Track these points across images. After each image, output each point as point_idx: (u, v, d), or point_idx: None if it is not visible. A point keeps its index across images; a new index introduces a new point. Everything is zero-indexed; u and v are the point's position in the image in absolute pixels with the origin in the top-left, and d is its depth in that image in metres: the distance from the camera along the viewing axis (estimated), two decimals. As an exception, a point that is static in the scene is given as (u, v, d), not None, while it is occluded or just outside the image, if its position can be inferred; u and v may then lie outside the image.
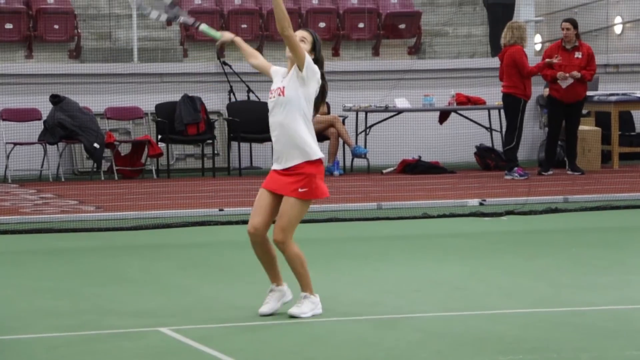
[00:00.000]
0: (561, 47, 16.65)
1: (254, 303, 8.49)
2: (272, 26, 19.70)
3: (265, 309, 8.05)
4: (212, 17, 19.49)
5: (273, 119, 8.10)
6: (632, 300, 8.55)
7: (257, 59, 8.45)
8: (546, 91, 17.16)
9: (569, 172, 16.76)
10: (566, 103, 16.53)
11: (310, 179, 8.03)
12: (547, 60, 16.41)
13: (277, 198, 8.04)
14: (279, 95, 8.07)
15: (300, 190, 8.01)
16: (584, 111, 18.13)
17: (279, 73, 8.27)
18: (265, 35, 19.69)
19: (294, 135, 8.01)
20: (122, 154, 17.38)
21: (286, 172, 8.04)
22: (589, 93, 17.87)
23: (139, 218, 13.02)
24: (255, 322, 7.93)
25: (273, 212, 8.05)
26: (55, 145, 17.01)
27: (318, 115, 17.81)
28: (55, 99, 16.99)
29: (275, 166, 8.08)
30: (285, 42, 8.09)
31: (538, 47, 20.06)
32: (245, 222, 12.88)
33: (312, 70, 8.12)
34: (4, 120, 17.29)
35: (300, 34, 8.25)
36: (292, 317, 7.94)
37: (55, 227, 12.53)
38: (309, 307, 7.99)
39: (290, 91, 8.06)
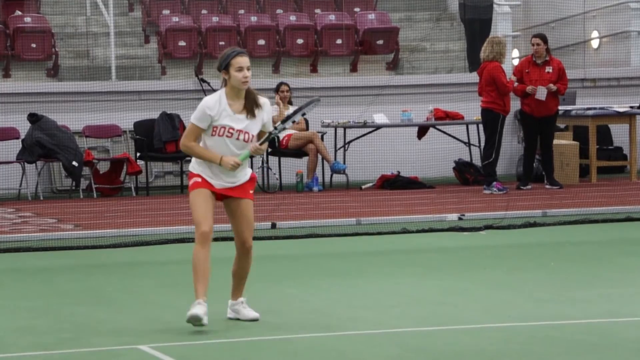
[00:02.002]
0: (532, 62, 16.72)
1: (230, 320, 8.48)
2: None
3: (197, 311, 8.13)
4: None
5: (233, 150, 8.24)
6: (610, 314, 8.57)
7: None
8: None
9: (547, 187, 16.81)
10: (538, 117, 16.59)
11: None
12: (528, 88, 16.44)
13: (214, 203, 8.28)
14: (245, 140, 8.24)
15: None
16: (562, 125, 18.21)
17: (222, 109, 8.23)
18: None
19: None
20: (101, 172, 17.35)
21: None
22: (567, 107, 17.96)
23: (118, 236, 12.99)
24: (235, 338, 7.92)
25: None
26: (34, 164, 16.97)
27: (296, 132, 17.83)
28: (33, 118, 16.95)
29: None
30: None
31: (515, 61, 20.12)
32: (225, 239, 12.92)
33: None
34: (-19, 138, 17.24)
35: (247, 63, 8.21)
36: (255, 320, 8.30)
37: (34, 245, 12.49)
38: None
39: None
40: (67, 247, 12.41)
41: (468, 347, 7.59)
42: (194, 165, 8.38)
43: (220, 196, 8.36)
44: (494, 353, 7.38)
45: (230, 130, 8.20)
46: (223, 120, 8.19)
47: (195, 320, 8.04)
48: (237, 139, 8.21)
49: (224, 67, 8.20)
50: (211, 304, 8.56)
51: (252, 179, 8.42)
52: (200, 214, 8.25)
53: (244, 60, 8.16)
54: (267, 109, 8.38)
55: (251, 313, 8.44)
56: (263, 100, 8.37)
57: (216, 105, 8.21)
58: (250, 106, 8.27)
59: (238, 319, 8.43)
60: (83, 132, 17.68)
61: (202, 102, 8.29)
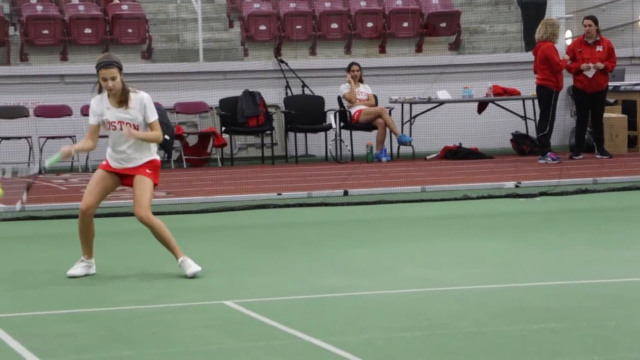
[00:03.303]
0: (583, 42, 16.54)
1: (309, 278, 8.53)
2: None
3: (75, 271, 8.71)
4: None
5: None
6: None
7: (92, 141, 8.77)
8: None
9: (598, 156, 16.63)
10: (589, 93, 16.42)
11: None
12: (583, 65, 16.30)
13: (113, 182, 8.81)
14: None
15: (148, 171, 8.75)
16: (611, 100, 17.98)
17: (103, 104, 8.65)
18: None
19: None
20: (190, 145, 17.47)
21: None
22: (616, 83, 17.73)
23: (205, 202, 13.08)
24: (311, 295, 7.95)
25: (105, 193, 8.87)
26: (130, 138, 17.10)
27: (366, 107, 17.78)
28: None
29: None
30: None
31: (569, 42, 19.88)
32: (302, 205, 12.97)
33: None
34: (84, 115, 17.41)
35: (110, 74, 8.54)
36: (194, 277, 8.50)
37: (130, 211, 12.58)
38: (192, 262, 8.58)
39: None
40: (159, 213, 12.48)
41: (523, 303, 7.55)
42: (106, 156, 8.87)
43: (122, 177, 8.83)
44: (546, 309, 7.34)
45: (115, 124, 8.64)
46: (107, 116, 8.64)
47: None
48: (117, 129, 8.64)
49: (97, 71, 8.66)
50: (290, 263, 8.60)
51: (150, 162, 8.78)
52: (88, 193, 8.86)
53: (107, 72, 8.56)
54: (142, 103, 8.68)
55: (190, 269, 8.59)
56: (138, 95, 8.69)
57: (99, 104, 8.69)
58: (124, 100, 8.66)
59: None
60: (174, 109, 17.80)
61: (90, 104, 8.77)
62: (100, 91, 8.70)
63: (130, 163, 8.77)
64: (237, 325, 7.12)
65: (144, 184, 8.75)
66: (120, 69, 8.60)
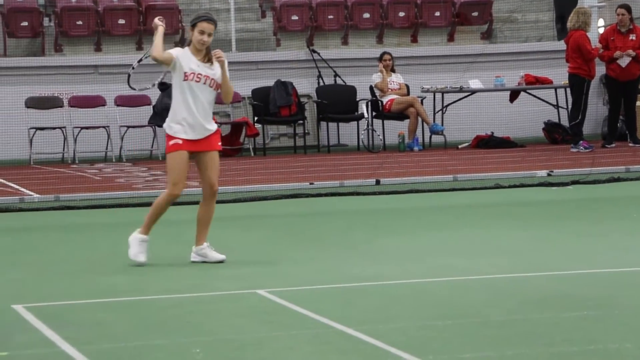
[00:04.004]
0: (616, 31, 16.44)
1: (341, 267, 8.53)
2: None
3: (142, 258, 8.66)
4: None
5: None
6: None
7: (163, 54, 8.65)
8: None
9: (631, 144, 16.53)
10: (622, 81, 16.33)
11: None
12: (616, 53, 16.20)
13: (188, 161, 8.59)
14: (211, 85, 8.59)
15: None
16: (644, 88, 17.86)
17: (187, 56, 8.57)
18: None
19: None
20: (223, 134, 17.51)
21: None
22: (649, 71, 17.59)
23: (237, 192, 13.11)
24: (342, 284, 7.96)
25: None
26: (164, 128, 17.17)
27: (398, 97, 17.74)
28: (163, 86, 17.15)
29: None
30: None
31: (601, 30, 19.75)
32: (334, 194, 12.97)
33: None
34: (118, 106, 17.51)
35: (210, 28, 8.54)
36: (221, 261, 8.60)
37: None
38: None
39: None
40: (193, 202, 12.53)
41: (554, 291, 7.52)
42: (171, 126, 8.59)
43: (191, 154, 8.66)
44: (578, 296, 7.30)
45: (202, 77, 8.53)
46: (193, 68, 8.51)
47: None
48: (204, 84, 8.54)
49: (191, 25, 8.65)
50: (322, 252, 8.61)
51: (217, 132, 8.73)
52: (177, 176, 8.60)
53: (208, 26, 8.55)
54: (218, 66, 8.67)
55: (218, 255, 8.66)
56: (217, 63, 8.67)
57: (181, 53, 8.59)
58: (209, 58, 8.62)
59: (205, 262, 8.67)
60: (207, 99, 17.82)
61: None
62: (180, 46, 8.70)
63: (203, 131, 8.57)
64: (269, 314, 7.14)
65: (217, 158, 8.71)
66: (215, 28, 8.68)
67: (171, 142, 8.59)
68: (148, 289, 8.01)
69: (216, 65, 8.63)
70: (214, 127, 8.68)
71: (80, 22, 18.73)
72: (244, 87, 17.87)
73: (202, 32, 8.54)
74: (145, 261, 8.72)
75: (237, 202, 12.53)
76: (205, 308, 7.34)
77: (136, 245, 8.75)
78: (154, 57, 8.67)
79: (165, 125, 8.71)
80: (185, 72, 8.55)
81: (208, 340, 6.42)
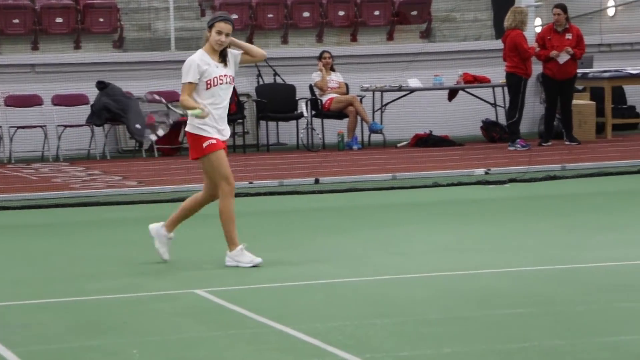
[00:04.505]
0: (553, 30, 16.60)
1: (280, 266, 8.50)
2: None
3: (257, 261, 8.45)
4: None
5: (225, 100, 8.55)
6: (625, 258, 8.50)
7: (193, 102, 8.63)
8: None
9: (567, 143, 16.68)
10: (558, 80, 16.48)
11: None
12: (552, 52, 16.35)
13: None
14: (230, 83, 8.61)
15: None
16: (580, 87, 18.03)
17: (205, 61, 8.58)
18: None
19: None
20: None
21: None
22: (584, 70, 17.77)
23: (176, 191, 13.02)
24: (281, 283, 7.94)
25: None
26: (102, 127, 17.04)
27: (338, 95, 17.75)
28: (101, 85, 17.01)
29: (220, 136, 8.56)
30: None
31: (538, 29, 19.91)
32: (273, 193, 12.94)
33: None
34: (55, 105, 17.32)
35: (228, 29, 8.51)
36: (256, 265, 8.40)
37: (101, 200, 12.56)
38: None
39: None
40: (131, 202, 12.47)
41: (492, 289, 7.56)
42: (203, 128, 8.52)
43: None
44: (518, 294, 7.35)
45: (223, 78, 8.51)
46: (212, 73, 8.48)
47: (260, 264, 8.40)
48: (224, 82, 8.52)
49: (209, 26, 8.59)
50: (261, 252, 8.59)
51: None
52: (227, 169, 8.54)
53: (226, 27, 8.51)
54: (235, 57, 8.65)
55: (255, 258, 8.47)
56: (232, 51, 8.65)
57: (198, 60, 8.55)
58: (224, 57, 8.60)
59: (238, 266, 8.48)
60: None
61: (187, 60, 8.64)
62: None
63: (226, 131, 8.58)
64: (208, 313, 7.10)
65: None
66: (233, 29, 8.60)
67: (206, 144, 8.49)
68: (84, 289, 7.92)
69: (230, 60, 8.56)
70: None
71: (17, 21, 18.51)
72: (183, 86, 17.73)
73: (219, 33, 8.48)
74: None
75: (176, 202, 12.43)
76: (143, 308, 7.27)
77: (240, 255, 8.50)
78: (187, 106, 8.57)
79: (190, 127, 8.56)
80: (207, 81, 8.50)
81: (146, 341, 6.36)
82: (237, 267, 8.43)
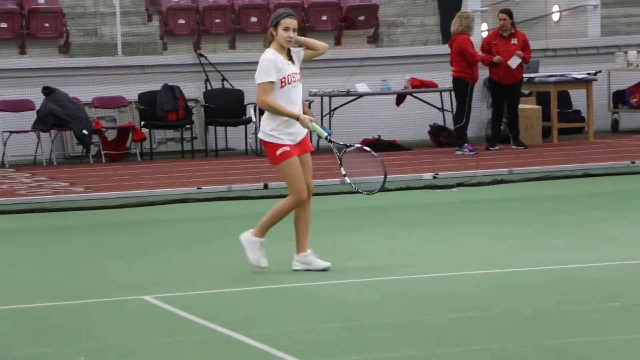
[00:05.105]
0: (499, 35, 16.73)
1: (229, 271, 8.48)
2: (243, 20, 19.60)
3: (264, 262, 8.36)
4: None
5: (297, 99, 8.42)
6: (572, 260, 8.58)
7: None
8: None
9: (514, 147, 16.80)
10: (504, 84, 16.61)
11: None
12: (495, 58, 16.46)
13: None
14: (300, 80, 8.47)
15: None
16: (526, 91, 18.17)
17: (279, 60, 8.38)
18: (237, 29, 19.59)
19: None
20: (109, 139, 17.28)
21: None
22: (530, 75, 17.91)
23: (124, 197, 12.94)
24: (230, 289, 7.91)
25: None
26: (48, 133, 16.89)
27: (286, 100, 17.77)
28: (47, 91, 16.86)
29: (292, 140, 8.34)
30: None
31: (484, 34, 20.06)
32: (222, 198, 12.90)
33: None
34: (0, 111, 17.15)
35: (294, 24, 8.37)
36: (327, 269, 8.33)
37: (48, 207, 12.44)
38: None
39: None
40: (78, 208, 12.37)
41: (441, 293, 7.59)
42: (274, 135, 8.30)
43: None
44: (465, 297, 7.39)
45: (295, 75, 8.35)
46: (286, 70, 8.31)
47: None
48: (296, 80, 8.36)
49: (274, 24, 8.36)
50: (210, 258, 8.55)
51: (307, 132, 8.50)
52: (299, 183, 8.34)
53: (293, 22, 8.33)
54: (299, 54, 8.51)
55: (323, 263, 8.40)
56: (294, 49, 8.50)
57: (273, 58, 8.30)
58: (290, 55, 8.43)
59: (308, 270, 8.35)
60: (92, 103, 17.58)
61: (263, 59, 8.35)
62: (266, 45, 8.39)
63: (300, 135, 8.33)
64: (156, 319, 7.06)
65: (310, 158, 8.48)
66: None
67: (279, 151, 8.26)
68: (31, 296, 7.85)
69: (295, 57, 8.37)
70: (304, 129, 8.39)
71: (-40, 26, 18.31)
72: (131, 91, 17.66)
73: (287, 29, 8.29)
74: (267, 266, 8.36)
75: (124, 208, 12.37)
76: (91, 315, 7.22)
77: (256, 250, 8.38)
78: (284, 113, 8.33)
79: (262, 134, 8.35)
80: (281, 79, 8.28)
81: (94, 347, 6.31)
82: (229, 271, 8.32)
